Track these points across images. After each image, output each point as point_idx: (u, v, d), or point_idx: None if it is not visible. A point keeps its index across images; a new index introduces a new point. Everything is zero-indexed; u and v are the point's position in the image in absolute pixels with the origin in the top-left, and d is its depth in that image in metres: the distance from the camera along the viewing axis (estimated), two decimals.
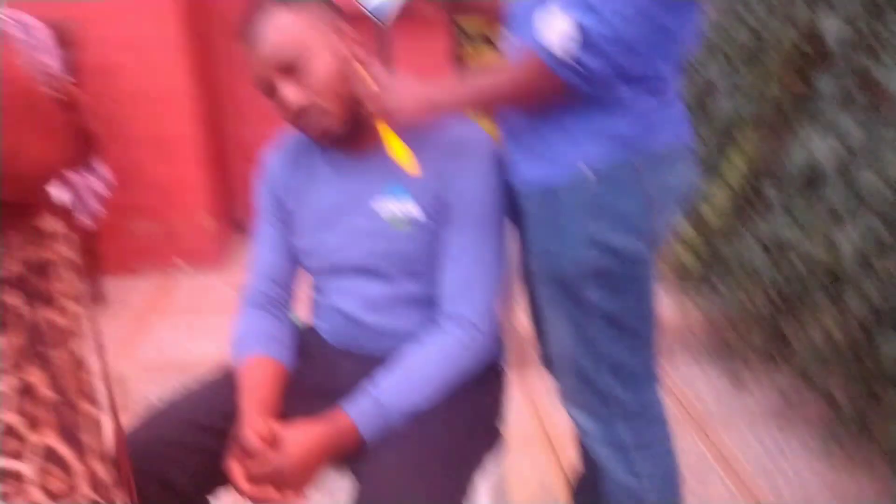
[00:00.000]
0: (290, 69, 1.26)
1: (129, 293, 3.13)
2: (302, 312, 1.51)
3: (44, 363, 0.79)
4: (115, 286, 3.15)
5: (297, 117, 1.29)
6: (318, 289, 1.46)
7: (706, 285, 2.72)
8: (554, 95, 1.13)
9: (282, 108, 1.29)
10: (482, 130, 1.37)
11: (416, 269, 1.35)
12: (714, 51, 2.83)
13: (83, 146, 0.87)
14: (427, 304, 1.35)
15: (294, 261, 1.45)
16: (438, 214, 1.32)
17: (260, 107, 3.76)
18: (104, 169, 2.89)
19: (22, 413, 0.76)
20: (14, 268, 0.77)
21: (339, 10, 1.34)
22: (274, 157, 1.45)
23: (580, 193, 1.19)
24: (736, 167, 2.60)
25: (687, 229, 2.77)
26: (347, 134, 1.32)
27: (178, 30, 3.08)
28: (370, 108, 1.24)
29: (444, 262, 1.33)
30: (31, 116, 0.67)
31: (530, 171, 1.24)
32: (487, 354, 1.35)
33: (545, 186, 1.22)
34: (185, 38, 3.11)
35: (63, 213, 0.87)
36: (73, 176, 2.69)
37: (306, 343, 1.44)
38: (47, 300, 0.80)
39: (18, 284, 0.77)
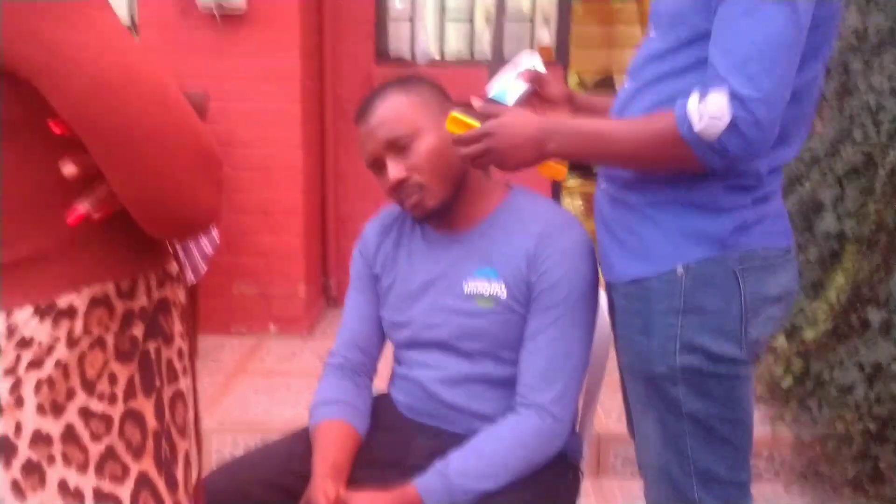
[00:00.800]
0: (397, 146, 1.33)
1: (220, 351, 3.24)
2: (381, 383, 1.54)
3: (155, 395, 0.84)
4: (208, 343, 3.27)
5: (399, 191, 1.35)
6: (399, 360, 1.49)
7: (798, 404, 2.60)
8: (684, 166, 1.12)
9: (385, 182, 1.36)
10: (576, 220, 1.40)
11: (499, 352, 1.37)
12: (822, 168, 2.79)
13: None
14: (505, 387, 1.36)
15: (380, 331, 1.49)
16: (526, 300, 1.34)
17: (359, 184, 3.91)
18: (215, 231, 3.06)
19: (124, 438, 0.81)
20: (144, 303, 0.83)
21: (447, 94, 1.41)
22: (371, 229, 1.52)
23: (672, 290, 1.18)
24: (838, 286, 2.52)
25: (782, 344, 2.67)
26: (444, 212, 1.38)
27: (297, 108, 3.28)
28: (466, 153, 1.22)
29: (527, 348, 1.34)
30: (208, 169, 0.74)
31: (623, 265, 1.24)
32: (561, 445, 1.34)
33: (637, 282, 1.22)
34: (301, 117, 3.30)
35: (179, 261, 0.94)
36: None
37: (381, 413, 1.46)
38: (167, 338, 0.86)
39: (144, 319, 0.83)
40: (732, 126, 1.04)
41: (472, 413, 1.37)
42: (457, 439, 1.31)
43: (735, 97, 1.03)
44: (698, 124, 1.05)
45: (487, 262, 1.37)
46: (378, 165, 1.36)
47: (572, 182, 5.42)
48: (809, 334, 2.57)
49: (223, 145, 3.25)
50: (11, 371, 0.75)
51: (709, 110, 1.04)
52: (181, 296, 0.90)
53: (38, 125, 0.71)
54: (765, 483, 2.48)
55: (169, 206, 0.71)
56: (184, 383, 0.89)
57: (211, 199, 0.74)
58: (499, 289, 1.35)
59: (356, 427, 1.39)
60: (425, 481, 1.24)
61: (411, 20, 3.79)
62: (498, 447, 1.28)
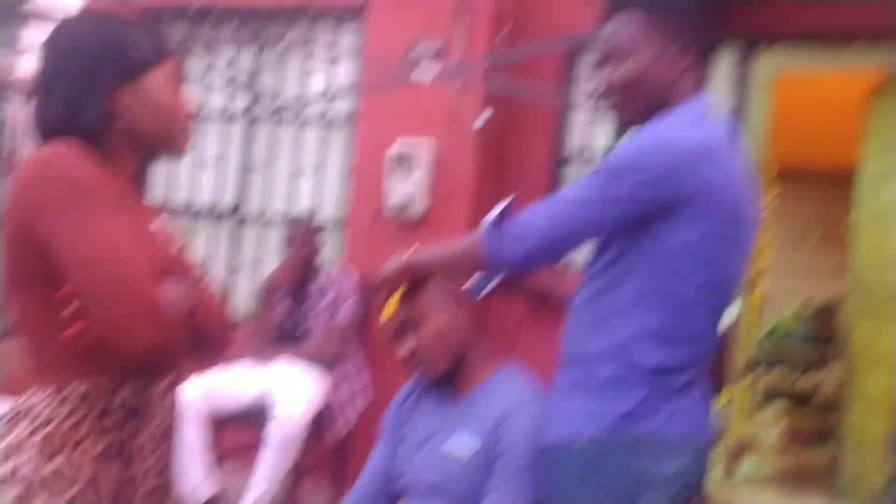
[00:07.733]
0: (408, 324, 1.74)
1: None
2: None
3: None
4: None
5: (409, 361, 1.75)
6: None
7: None
8: (476, 259, 1.53)
9: (400, 353, 1.77)
10: (538, 393, 1.68)
11: (472, 498, 1.65)
12: None
13: (201, 348, 1.36)
14: None
15: (388, 482, 1.83)
16: (490, 459, 1.64)
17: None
18: (369, 388, 3.55)
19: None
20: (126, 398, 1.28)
21: (460, 284, 1.79)
22: (406, 387, 1.90)
23: (568, 459, 1.41)
24: None
25: None
26: (447, 378, 1.74)
27: None
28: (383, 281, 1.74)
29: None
30: (149, 317, 1.16)
31: (544, 432, 1.50)
32: None
33: (544, 445, 1.47)
34: None
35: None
36: (338, 388, 3.39)
37: None
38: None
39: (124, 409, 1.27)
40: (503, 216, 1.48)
41: None
42: None
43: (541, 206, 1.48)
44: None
45: (471, 422, 1.69)
46: (393, 337, 1.77)
47: None
48: None
49: None
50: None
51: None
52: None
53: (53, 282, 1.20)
54: None
55: (115, 336, 1.18)
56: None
57: (148, 338, 1.17)
58: (476, 445, 1.66)
59: None
60: None
61: None
62: None
